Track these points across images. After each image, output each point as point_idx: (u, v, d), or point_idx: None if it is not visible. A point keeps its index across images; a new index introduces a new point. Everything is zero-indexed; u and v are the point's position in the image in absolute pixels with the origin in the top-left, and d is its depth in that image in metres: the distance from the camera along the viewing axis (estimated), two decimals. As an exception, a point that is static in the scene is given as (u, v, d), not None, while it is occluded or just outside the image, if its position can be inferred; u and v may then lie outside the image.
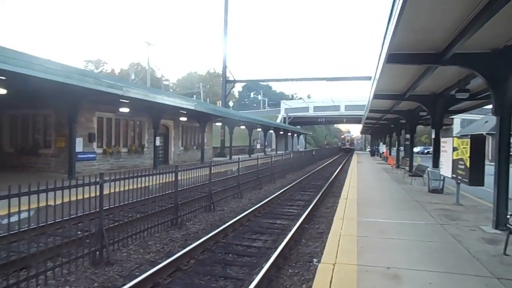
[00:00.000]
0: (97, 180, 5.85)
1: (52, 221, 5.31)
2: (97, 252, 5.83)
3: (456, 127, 52.43)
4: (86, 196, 6.03)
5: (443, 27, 6.24)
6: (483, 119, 42.89)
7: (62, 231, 5.69)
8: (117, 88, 12.88)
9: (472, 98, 12.05)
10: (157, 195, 8.96)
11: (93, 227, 6.25)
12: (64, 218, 5.63)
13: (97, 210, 5.94)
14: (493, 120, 33.17)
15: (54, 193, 5.05)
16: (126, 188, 7.00)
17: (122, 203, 7.38)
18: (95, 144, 16.72)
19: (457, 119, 51.52)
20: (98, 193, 5.94)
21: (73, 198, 5.58)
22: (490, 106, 22.68)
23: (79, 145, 15.31)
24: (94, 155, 16.59)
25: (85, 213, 5.69)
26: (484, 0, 5.13)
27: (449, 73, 9.82)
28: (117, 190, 6.61)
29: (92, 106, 16.01)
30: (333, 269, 4.85)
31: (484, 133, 33.95)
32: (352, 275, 4.60)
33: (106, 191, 6.16)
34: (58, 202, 5.11)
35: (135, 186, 7.34)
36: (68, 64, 12.57)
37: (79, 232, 6.13)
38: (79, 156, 15.34)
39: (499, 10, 5.14)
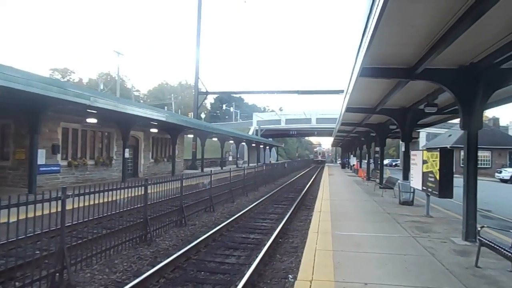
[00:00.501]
0: (59, 195, 5.42)
1: (5, 241, 4.83)
2: (57, 274, 5.37)
3: (422, 140, 54.48)
4: (47, 212, 5.58)
5: (414, 42, 6.39)
6: (447, 133, 44.90)
7: (16, 252, 5.21)
8: (84, 97, 12.35)
9: (440, 112, 12.46)
10: (125, 209, 8.52)
11: (53, 246, 5.79)
12: (19, 237, 5.15)
13: (58, 227, 5.50)
14: (456, 134, 34.69)
15: (8, 210, 4.60)
16: (92, 202, 6.60)
17: (86, 219, 6.93)
18: (59, 156, 15.90)
19: (422, 133, 53.59)
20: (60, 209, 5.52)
21: (32, 214, 5.12)
22: (454, 121, 23.68)
23: (41, 157, 14.49)
24: (58, 168, 15.74)
25: (44, 230, 5.20)
26: (452, 19, 5.28)
27: (418, 88, 10.09)
28: (82, 205, 6.21)
29: (56, 116, 15.26)
30: (310, 286, 4.69)
31: (448, 146, 35.44)
32: (330, 293, 4.45)
33: (69, 206, 5.75)
34: (13, 219, 4.67)
35: (102, 201, 6.95)
36: (31, 72, 11.93)
37: (37, 252, 5.65)
38: (41, 169, 14.50)
39: (466, 29, 5.32)
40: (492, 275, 5.15)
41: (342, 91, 14.48)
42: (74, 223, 6.03)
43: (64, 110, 14.99)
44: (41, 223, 5.16)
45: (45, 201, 5.12)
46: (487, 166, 38.26)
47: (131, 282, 5.42)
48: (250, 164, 41.31)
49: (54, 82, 11.64)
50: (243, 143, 46.64)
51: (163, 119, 18.39)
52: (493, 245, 5.26)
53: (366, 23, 5.46)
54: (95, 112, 14.97)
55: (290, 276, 6.21)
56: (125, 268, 6.50)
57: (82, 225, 7.51)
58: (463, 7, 4.86)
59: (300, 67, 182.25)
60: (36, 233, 5.08)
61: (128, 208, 8.30)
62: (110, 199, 7.35)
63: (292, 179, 29.22)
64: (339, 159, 74.96)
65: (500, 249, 5.08)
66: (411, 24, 5.56)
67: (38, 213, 5.02)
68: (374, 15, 4.85)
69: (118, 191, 7.43)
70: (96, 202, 6.79)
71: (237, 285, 5.45)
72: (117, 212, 8.03)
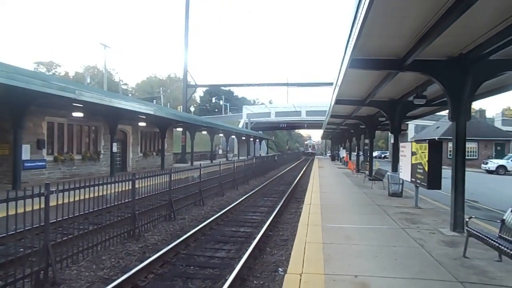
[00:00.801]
0: (42, 191, 5.26)
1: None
2: (42, 272, 5.23)
3: (411, 132, 55.09)
4: (32, 208, 5.41)
5: (403, 33, 6.34)
6: (434, 125, 45.45)
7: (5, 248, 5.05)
8: (69, 91, 12.05)
9: (428, 104, 12.53)
10: (112, 205, 8.37)
11: (38, 243, 5.64)
12: (0, 235, 5.00)
13: (42, 224, 5.35)
14: (444, 126, 35.15)
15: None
16: (78, 198, 6.45)
17: (73, 215, 6.77)
18: (44, 151, 15.57)
19: (411, 125, 54.12)
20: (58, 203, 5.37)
21: (20, 211, 4.96)
22: (442, 113, 23.93)
23: (26, 152, 14.17)
24: (43, 163, 15.43)
25: (27, 228, 5.04)
26: (441, 10, 5.24)
27: (407, 80, 10.10)
28: (67, 200, 6.06)
29: (41, 110, 14.92)
30: (300, 279, 4.65)
31: (436, 138, 35.87)
32: (320, 286, 4.42)
33: (54, 202, 5.60)
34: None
35: (89, 196, 6.81)
36: (14, 65, 11.55)
37: (21, 250, 5.50)
38: (26, 164, 14.19)
39: (454, 21, 5.28)
40: (480, 265, 5.19)
41: (331, 84, 14.43)
42: (58, 219, 5.86)
43: (49, 104, 14.66)
44: (25, 220, 4.99)
45: (27, 197, 4.95)
46: (474, 158, 38.89)
47: (118, 278, 5.32)
48: (240, 157, 41.23)
49: (37, 75, 11.31)
50: (233, 136, 46.48)
51: (151, 112, 18.14)
52: (480, 235, 5.29)
53: (355, 14, 5.38)
54: (81, 106, 14.67)
55: (280, 269, 6.18)
56: (112, 264, 6.39)
57: (68, 222, 7.34)
58: (452, -3, 4.81)
59: (290, 60, 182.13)
60: (18, 230, 4.90)
61: (115, 204, 8.15)
62: (97, 194, 7.21)
63: (282, 172, 29.26)
64: (329, 152, 75.47)
65: (487, 239, 5.11)
66: (401, 15, 5.50)
67: (26, 209, 4.86)
68: (364, 5, 4.77)
69: (105, 186, 7.29)
70: (82, 197, 6.65)
71: (226, 279, 5.39)
72: (103, 208, 7.85)
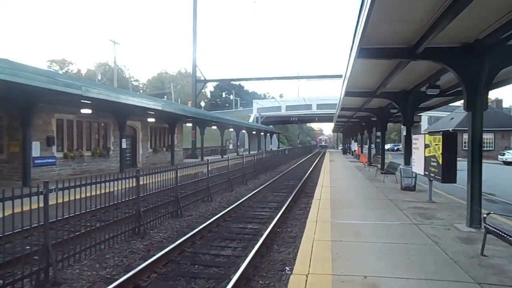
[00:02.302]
0: (41, 189, 5.14)
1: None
2: (42, 272, 5.12)
3: (424, 124, 53.97)
4: (38, 205, 5.30)
5: (415, 18, 5.97)
6: (449, 116, 44.38)
7: (3, 248, 4.96)
8: (75, 87, 11.98)
9: (442, 95, 12.05)
10: (118, 202, 8.26)
11: (39, 242, 5.54)
12: (6, 233, 4.89)
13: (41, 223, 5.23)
14: (458, 117, 34.27)
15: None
16: (84, 195, 6.36)
17: (73, 214, 6.66)
18: (54, 148, 15.62)
19: (424, 116, 53.03)
20: (58, 202, 5.25)
21: (26, 208, 4.87)
22: (456, 104, 23.28)
23: (36, 149, 14.25)
24: (53, 160, 15.49)
25: (25, 227, 4.92)
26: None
27: (419, 69, 9.69)
28: (72, 198, 5.96)
29: (50, 107, 14.95)
30: (306, 280, 4.42)
31: (450, 129, 35.02)
32: None
33: (59, 200, 5.50)
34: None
35: (94, 193, 6.72)
36: (20, 62, 11.54)
37: (19, 249, 5.42)
38: (36, 161, 14.27)
39: (470, 2, 4.92)
40: (499, 264, 4.87)
41: (341, 76, 14.05)
42: (59, 218, 5.75)
43: (58, 101, 14.67)
44: (28, 219, 4.88)
45: (24, 196, 4.83)
46: (490, 149, 37.89)
47: (120, 278, 5.18)
48: (251, 152, 41.04)
49: (43, 72, 11.24)
50: (244, 131, 46.27)
51: (159, 108, 18.03)
52: (500, 232, 4.96)
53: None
54: (89, 102, 14.63)
55: (287, 268, 5.96)
56: (116, 263, 6.27)
57: (69, 220, 7.25)
58: (468, -23, 4.45)
59: (300, 53, 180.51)
60: (16, 230, 4.78)
61: (123, 200, 8.02)
62: (103, 191, 7.11)
63: (293, 166, 28.99)
64: (340, 145, 74.78)
65: (507, 236, 4.78)
66: (412, -2, 5.15)
67: (33, 207, 4.75)
68: (371, -12, 4.46)
69: (110, 182, 7.17)
70: (88, 194, 6.55)
71: (231, 279, 5.20)
72: (107, 206, 7.74)
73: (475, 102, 6.93)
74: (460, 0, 4.93)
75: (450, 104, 21.74)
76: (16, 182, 12.75)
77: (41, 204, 5.22)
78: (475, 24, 6.19)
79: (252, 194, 13.34)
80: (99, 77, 44.74)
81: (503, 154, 32.25)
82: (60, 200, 5.70)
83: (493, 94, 49.67)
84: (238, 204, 11.23)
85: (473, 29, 6.42)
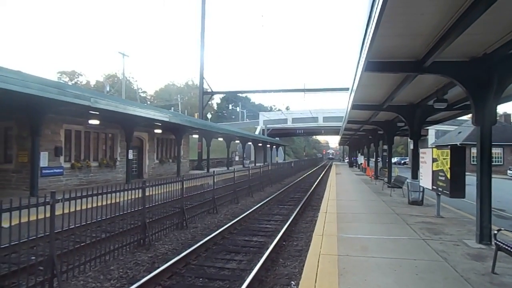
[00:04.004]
0: (47, 200, 5.16)
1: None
2: (47, 283, 5.10)
3: (431, 138, 53.60)
4: (44, 216, 5.31)
5: (422, 32, 5.99)
6: (456, 130, 44.04)
7: (8, 258, 4.94)
8: (84, 98, 12.13)
9: (449, 109, 11.98)
10: (123, 212, 8.24)
11: (44, 252, 5.52)
12: (12, 243, 4.88)
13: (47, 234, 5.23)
14: (466, 131, 34.04)
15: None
16: (90, 206, 6.36)
17: (84, 223, 6.65)
18: (62, 158, 15.73)
19: (431, 130, 52.71)
20: (64, 212, 5.26)
21: (33, 218, 4.89)
22: (464, 117, 23.07)
23: (44, 159, 14.38)
24: (61, 170, 15.59)
25: (30, 237, 4.93)
26: (463, 6, 4.90)
27: (427, 83, 9.67)
28: (78, 208, 5.97)
29: (59, 118, 15.13)
30: (313, 296, 4.35)
31: (458, 143, 34.73)
32: (333, 304, 4.10)
33: (66, 210, 5.51)
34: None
35: (100, 204, 6.73)
36: (31, 74, 11.73)
37: (33, 258, 5.42)
38: (44, 171, 14.38)
39: (478, 17, 4.92)
40: (511, 283, 4.75)
41: (348, 89, 14.06)
42: (64, 228, 5.74)
43: (66, 112, 14.84)
44: (29, 230, 4.88)
45: (31, 206, 4.85)
46: (499, 163, 37.42)
47: (124, 290, 5.14)
48: (257, 164, 40.99)
49: (52, 84, 11.40)
50: (250, 143, 46.30)
51: (166, 119, 18.16)
52: (511, 249, 4.84)
53: (370, 12, 5.08)
54: (97, 113, 14.79)
55: (292, 282, 5.88)
56: (120, 275, 6.23)
57: (74, 230, 7.25)
58: (476, -8, 4.47)
59: (306, 65, 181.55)
60: (22, 240, 4.79)
61: (124, 212, 8.01)
62: (109, 202, 7.12)
63: (299, 179, 28.84)
64: (346, 158, 74.44)
65: (519, 254, 4.67)
66: (419, 12, 5.16)
67: (40, 217, 4.76)
68: (378, 2, 4.49)
69: (116, 193, 7.19)
70: (94, 205, 6.56)
71: (236, 294, 5.13)
72: (113, 216, 7.72)
73: (484, 117, 6.87)
74: (468, 15, 4.93)
75: (458, 118, 21.63)
76: (24, 192, 12.82)
77: (48, 214, 5.23)
78: (483, 39, 6.19)
79: (258, 207, 13.26)
80: (108, 89, 45.38)
81: (512, 169, 31.83)
82: (66, 211, 5.72)
83: (501, 109, 49.33)
84: (243, 217, 11.16)
85: (481, 43, 6.42)
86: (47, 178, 14.74)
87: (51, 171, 15.07)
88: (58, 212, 5.43)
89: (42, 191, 12.95)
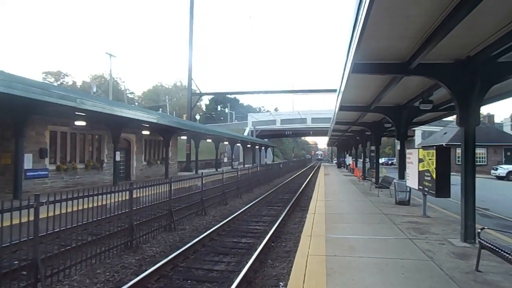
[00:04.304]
0: (31, 203, 5.05)
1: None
2: None
3: (418, 139, 54.41)
4: (27, 219, 5.20)
5: (408, 35, 6.08)
6: (442, 131, 44.82)
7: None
8: (70, 99, 11.94)
9: (435, 110, 12.18)
10: (110, 215, 8.12)
11: (28, 256, 5.42)
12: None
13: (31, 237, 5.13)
14: (451, 132, 34.60)
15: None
16: (76, 208, 6.25)
17: (69, 226, 6.53)
18: (47, 160, 15.46)
19: (418, 131, 53.52)
20: (48, 215, 5.15)
21: (16, 222, 4.78)
22: (449, 118, 23.47)
23: (28, 161, 14.09)
24: (46, 172, 15.31)
25: (13, 242, 4.83)
26: (447, 9, 4.99)
27: (413, 84, 9.81)
28: (64, 211, 5.86)
29: (44, 119, 14.86)
30: (301, 296, 4.36)
31: (443, 144, 35.33)
32: (321, 304, 4.12)
33: (52, 213, 5.40)
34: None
35: (87, 206, 6.62)
36: (15, 74, 11.50)
37: (15, 262, 5.31)
38: (28, 173, 14.10)
39: (461, 20, 5.02)
40: (494, 280, 4.84)
41: (336, 90, 14.18)
42: (49, 232, 5.63)
43: (52, 113, 14.59)
44: (11, 234, 4.78)
45: (14, 210, 4.74)
46: (483, 164, 38.17)
47: (111, 294, 5.07)
48: (246, 165, 40.95)
49: (37, 84, 11.18)
50: (238, 144, 46.27)
51: (154, 120, 18.01)
52: (494, 248, 4.94)
53: (356, 15, 5.15)
54: (84, 114, 14.57)
55: (281, 283, 5.89)
56: (107, 278, 6.14)
57: (59, 234, 7.12)
58: (459, -5, 4.56)
59: (294, 67, 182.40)
60: (4, 244, 4.68)
61: (111, 215, 7.90)
62: (95, 205, 7.01)
63: (288, 180, 28.92)
64: (335, 159, 75.00)
65: (502, 252, 4.76)
66: (405, 15, 5.24)
67: (23, 220, 4.66)
68: (364, 5, 4.54)
69: (103, 195, 7.09)
70: (80, 208, 6.46)
71: (224, 295, 5.11)
72: (99, 219, 7.61)
73: (468, 118, 7.00)
74: (452, 18, 5.02)
75: (443, 119, 22.00)
76: (7, 195, 12.54)
77: (32, 218, 5.13)
78: (467, 42, 6.31)
79: (247, 208, 13.24)
80: (94, 89, 44.76)
81: (496, 169, 32.50)
82: (51, 214, 5.61)
83: (485, 110, 50.39)
84: (232, 218, 11.14)
85: (465, 46, 6.55)
86: (32, 180, 14.46)
87: (36, 173, 14.78)
88: (42, 215, 5.34)
89: (26, 193, 12.69)
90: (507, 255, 4.64)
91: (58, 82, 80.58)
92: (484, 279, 4.90)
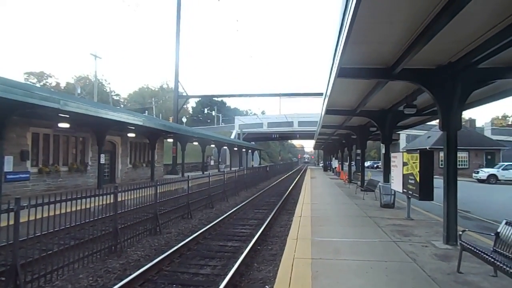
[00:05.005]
0: (11, 206, 4.93)
1: None
2: (9, 294, 4.87)
3: (402, 142, 55.28)
4: (7, 223, 5.08)
5: (392, 40, 6.19)
6: (426, 135, 45.66)
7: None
8: (53, 101, 11.70)
9: (419, 114, 12.41)
10: (94, 219, 7.99)
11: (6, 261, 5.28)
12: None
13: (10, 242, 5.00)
14: (435, 135, 35.23)
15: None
16: (59, 212, 6.14)
17: (51, 230, 6.39)
18: (29, 162, 15.10)
19: (402, 135, 54.39)
20: (30, 219, 5.02)
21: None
22: (433, 122, 23.93)
23: (8, 164, 13.74)
24: (27, 175, 14.95)
25: (1, 244, 4.70)
26: (430, 15, 5.11)
27: (397, 89, 9.98)
28: (46, 215, 5.74)
29: (25, 120, 14.53)
30: (286, 299, 4.36)
31: (427, 147, 35.98)
32: (306, 307, 4.14)
33: (33, 216, 5.27)
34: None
35: (70, 210, 6.48)
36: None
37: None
38: (8, 176, 13.74)
39: (443, 27, 5.14)
40: (474, 281, 4.96)
41: (322, 94, 14.31)
42: (30, 236, 5.49)
43: (34, 115, 14.28)
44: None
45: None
46: (465, 167, 39.02)
47: (93, 299, 4.98)
48: (233, 168, 40.85)
49: (18, 85, 10.93)
50: (225, 147, 46.15)
51: (140, 123, 17.81)
52: (474, 250, 5.06)
53: (342, 20, 5.22)
54: (67, 116, 14.30)
55: (267, 287, 5.88)
56: (90, 283, 6.04)
57: (41, 238, 6.96)
58: (440, 3, 4.67)
59: (281, 70, 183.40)
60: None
61: (95, 219, 7.78)
62: (78, 208, 6.89)
63: (274, 183, 28.98)
64: (321, 162, 75.53)
65: (481, 254, 4.88)
66: (389, 21, 5.35)
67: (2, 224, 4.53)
68: (350, 10, 4.61)
69: (87, 199, 6.96)
70: (63, 211, 6.33)
71: (209, 299, 5.08)
72: (82, 223, 7.47)
73: (449, 122, 7.17)
74: (434, 25, 5.14)
75: (427, 123, 22.44)
76: (-14, 198, 12.20)
77: (12, 222, 5.01)
78: (448, 48, 6.47)
79: (233, 211, 13.21)
80: (79, 91, 43.95)
81: (477, 172, 33.25)
82: (32, 217, 5.48)
83: (466, 114, 51.61)
84: (218, 221, 11.10)
85: (446, 52, 6.71)
86: (12, 183, 14.09)
87: (16, 176, 14.42)
88: (23, 219, 5.21)
89: (6, 197, 12.36)
90: (487, 257, 4.75)
91: (41, 83, 78.99)
92: (465, 280, 5.01)
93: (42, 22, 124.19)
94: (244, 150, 53.25)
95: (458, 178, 7.39)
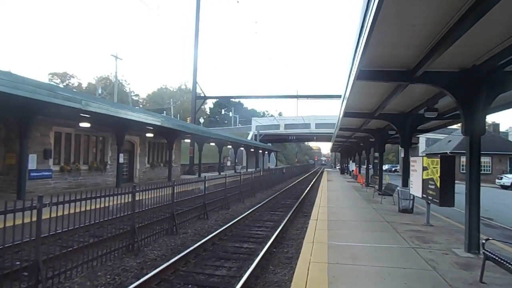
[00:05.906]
0: (34, 204, 5.06)
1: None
2: (31, 289, 4.99)
3: (422, 146, 54.16)
4: (30, 219, 5.21)
5: (413, 43, 6.07)
6: (446, 139, 44.60)
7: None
8: (75, 101, 12.02)
9: (440, 118, 12.13)
10: (112, 217, 8.14)
11: (30, 257, 5.41)
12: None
13: (33, 238, 5.13)
14: (456, 140, 34.42)
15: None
16: (79, 210, 6.26)
17: (71, 227, 6.54)
18: (51, 161, 15.54)
19: (422, 138, 53.29)
20: (51, 216, 5.16)
21: (19, 222, 4.79)
22: (454, 126, 23.37)
23: (32, 162, 14.16)
24: (49, 173, 15.38)
25: (15, 242, 4.84)
26: (453, 18, 4.98)
27: (418, 92, 9.78)
28: (66, 212, 5.87)
29: (49, 120, 14.96)
30: (302, 304, 4.32)
31: (448, 152, 35.14)
32: (322, 312, 4.08)
33: (54, 214, 5.41)
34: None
35: (89, 208, 6.62)
36: (22, 75, 11.60)
37: (17, 263, 5.31)
38: (32, 174, 14.17)
39: (467, 30, 5.00)
40: (498, 292, 4.79)
41: (340, 96, 14.17)
42: (51, 233, 5.62)
43: (57, 114, 14.69)
44: (14, 234, 4.79)
45: (17, 211, 4.75)
46: (488, 172, 37.90)
47: (111, 297, 5.06)
48: (249, 169, 40.91)
49: (43, 85, 11.27)
50: (242, 148, 46.28)
51: (158, 123, 18.07)
52: (499, 259, 4.89)
53: (362, 22, 5.14)
54: (88, 116, 14.63)
55: (282, 290, 5.84)
56: (108, 281, 6.13)
57: (61, 235, 7.13)
58: (465, 5, 4.54)
59: (299, 72, 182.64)
60: (6, 244, 4.69)
61: (113, 217, 7.91)
62: (98, 206, 7.02)
63: (291, 185, 28.84)
64: (338, 165, 74.82)
65: (507, 264, 4.71)
66: (411, 23, 5.23)
67: (26, 220, 4.67)
68: (371, 12, 4.53)
69: (106, 197, 7.09)
70: (83, 209, 6.46)
71: (224, 301, 5.08)
72: (101, 221, 7.59)
73: (473, 127, 6.96)
74: (457, 28, 5.01)
75: (448, 127, 21.90)
76: (11, 195, 12.59)
77: (34, 218, 5.14)
78: (472, 51, 6.29)
79: (249, 213, 13.21)
80: (100, 91, 44.97)
81: (501, 178, 32.24)
82: (53, 215, 5.62)
83: (490, 118, 50.18)
84: (234, 223, 11.11)
85: (470, 55, 6.52)
86: (35, 181, 14.52)
87: (40, 173, 14.86)
88: (45, 216, 5.35)
89: (29, 194, 12.76)
90: (512, 267, 4.58)
91: (64, 84, 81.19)
92: (488, 291, 4.84)
93: (67, 24, 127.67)
94: (260, 151, 53.23)
95: (481, 184, 7.17)
